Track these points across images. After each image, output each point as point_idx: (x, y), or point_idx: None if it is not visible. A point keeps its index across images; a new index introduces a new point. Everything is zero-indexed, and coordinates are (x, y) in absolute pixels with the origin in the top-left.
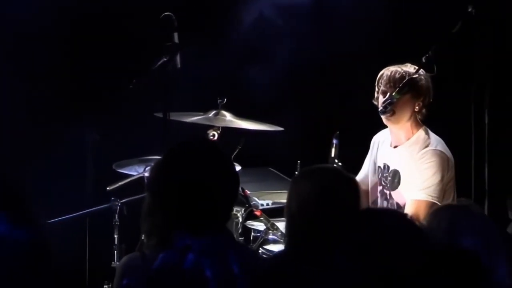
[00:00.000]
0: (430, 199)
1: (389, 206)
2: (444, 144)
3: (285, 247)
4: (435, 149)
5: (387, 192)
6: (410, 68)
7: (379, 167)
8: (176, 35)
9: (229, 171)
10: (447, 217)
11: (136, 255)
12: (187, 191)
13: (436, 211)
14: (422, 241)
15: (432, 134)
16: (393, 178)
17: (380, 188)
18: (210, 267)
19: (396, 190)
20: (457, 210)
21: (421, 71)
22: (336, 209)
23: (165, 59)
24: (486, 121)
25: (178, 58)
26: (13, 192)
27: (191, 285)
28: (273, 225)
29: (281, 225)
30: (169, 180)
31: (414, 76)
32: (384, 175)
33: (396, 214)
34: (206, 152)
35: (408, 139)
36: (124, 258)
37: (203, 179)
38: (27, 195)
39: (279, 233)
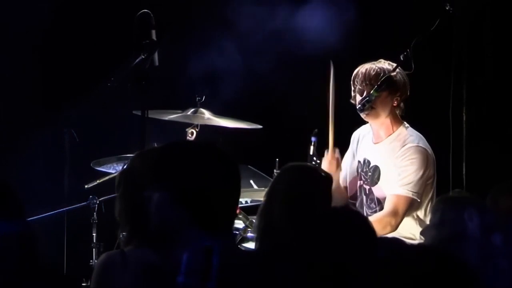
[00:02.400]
0: (410, 194)
1: (369, 201)
2: (425, 140)
3: (256, 245)
4: (417, 146)
5: (367, 187)
6: (384, 64)
7: (359, 161)
8: (153, 32)
9: (236, 171)
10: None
11: (116, 253)
12: (203, 192)
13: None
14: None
15: (413, 131)
16: (373, 174)
17: (360, 182)
18: (233, 268)
19: (376, 185)
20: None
21: (398, 68)
22: (302, 208)
23: (143, 57)
24: (464, 118)
25: (156, 55)
26: None
27: (223, 285)
28: (251, 223)
29: None
30: (192, 183)
31: (391, 73)
32: (364, 170)
33: (359, 216)
34: (214, 154)
35: (389, 135)
36: (103, 256)
37: (220, 180)
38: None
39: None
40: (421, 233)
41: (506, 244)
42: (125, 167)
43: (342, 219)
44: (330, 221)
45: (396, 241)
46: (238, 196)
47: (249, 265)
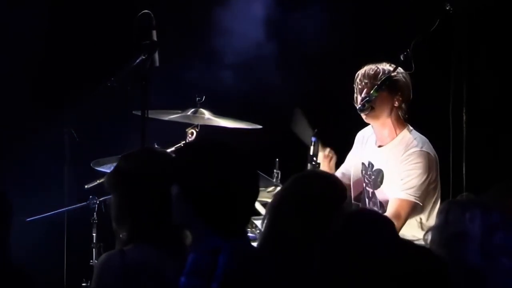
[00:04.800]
0: (412, 199)
1: (372, 204)
2: (429, 144)
3: (259, 245)
4: (421, 150)
5: (370, 190)
6: (385, 65)
7: (363, 163)
8: (154, 33)
9: (252, 173)
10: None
11: (116, 253)
12: (220, 192)
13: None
14: (399, 247)
15: (417, 134)
16: (376, 177)
17: (363, 185)
18: (240, 270)
19: (379, 189)
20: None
21: (398, 68)
22: (320, 214)
23: (143, 57)
24: (464, 119)
25: (156, 56)
26: None
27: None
28: (251, 223)
29: (260, 223)
30: (206, 181)
31: (392, 73)
32: (368, 173)
33: (379, 217)
34: (232, 154)
35: (393, 139)
36: (103, 256)
37: (233, 180)
38: None
39: (258, 231)
40: (425, 235)
41: (509, 244)
42: (117, 168)
43: (367, 221)
44: (356, 222)
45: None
46: (254, 197)
47: (263, 267)
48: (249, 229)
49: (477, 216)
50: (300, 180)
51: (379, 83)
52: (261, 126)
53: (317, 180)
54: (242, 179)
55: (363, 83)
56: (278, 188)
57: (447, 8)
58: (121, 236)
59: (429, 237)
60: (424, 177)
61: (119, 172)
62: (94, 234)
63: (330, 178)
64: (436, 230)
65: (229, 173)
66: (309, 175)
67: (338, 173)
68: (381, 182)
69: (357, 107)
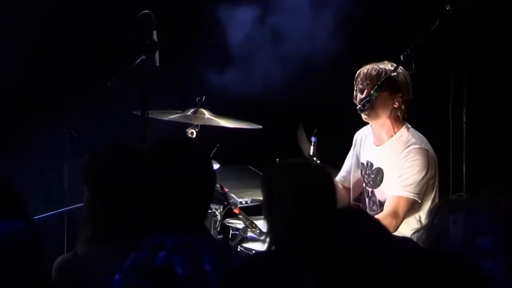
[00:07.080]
0: (410, 196)
1: (371, 203)
2: (427, 142)
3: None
4: (419, 147)
5: (370, 189)
6: (387, 65)
7: (362, 163)
8: (154, 33)
9: (205, 169)
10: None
11: (69, 256)
12: (165, 189)
13: (439, 206)
14: (394, 249)
15: (415, 132)
16: (376, 176)
17: (363, 185)
18: (181, 265)
19: (378, 188)
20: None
21: (399, 68)
22: (312, 204)
23: (143, 57)
24: (464, 119)
25: (156, 56)
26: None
27: (161, 283)
28: (251, 223)
29: (260, 223)
30: (150, 177)
31: (392, 73)
32: (367, 172)
33: (372, 220)
34: (183, 150)
35: (391, 137)
36: (58, 260)
37: (180, 177)
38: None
39: (258, 231)
40: (413, 234)
41: (495, 247)
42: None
43: (351, 220)
44: (341, 221)
45: (407, 241)
46: (200, 192)
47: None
48: (249, 229)
49: (461, 218)
50: (276, 173)
51: (379, 83)
52: (261, 126)
53: (292, 169)
54: (178, 175)
55: (365, 83)
56: None
57: (447, 8)
58: (83, 232)
59: (418, 236)
60: (423, 174)
61: (87, 169)
62: None
63: (306, 165)
64: (424, 230)
65: (165, 170)
66: (281, 167)
67: (340, 177)
68: (381, 181)
69: (357, 107)
